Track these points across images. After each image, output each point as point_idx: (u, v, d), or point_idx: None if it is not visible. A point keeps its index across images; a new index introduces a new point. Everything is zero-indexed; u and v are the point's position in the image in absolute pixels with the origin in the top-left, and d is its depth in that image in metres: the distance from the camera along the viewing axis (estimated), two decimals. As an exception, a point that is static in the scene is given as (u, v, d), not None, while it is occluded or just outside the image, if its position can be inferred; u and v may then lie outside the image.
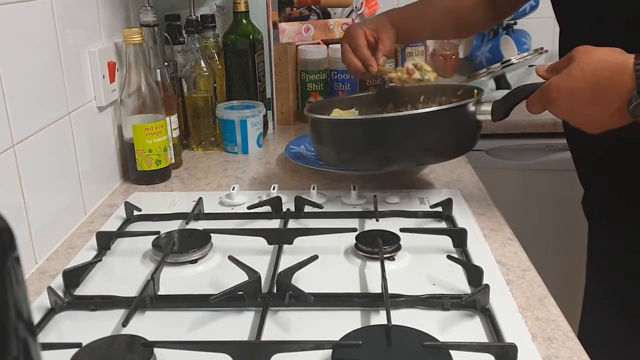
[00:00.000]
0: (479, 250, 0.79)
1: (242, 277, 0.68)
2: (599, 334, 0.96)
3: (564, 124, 1.00)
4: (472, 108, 0.87)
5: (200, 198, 0.93)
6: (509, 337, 0.59)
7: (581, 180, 1.01)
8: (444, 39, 1.85)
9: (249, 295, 0.67)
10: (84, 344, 0.57)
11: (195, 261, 0.77)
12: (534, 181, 1.59)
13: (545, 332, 0.63)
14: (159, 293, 0.69)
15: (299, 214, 0.90)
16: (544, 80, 0.76)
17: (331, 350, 0.56)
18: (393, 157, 0.89)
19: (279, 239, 0.81)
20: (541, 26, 1.94)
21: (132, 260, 0.79)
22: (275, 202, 0.90)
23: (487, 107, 0.86)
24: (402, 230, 0.80)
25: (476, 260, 0.75)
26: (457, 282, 0.71)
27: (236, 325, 0.64)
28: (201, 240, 0.79)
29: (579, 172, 1.00)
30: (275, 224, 0.88)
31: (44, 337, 0.63)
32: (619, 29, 0.75)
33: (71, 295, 0.69)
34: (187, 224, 0.87)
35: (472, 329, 0.63)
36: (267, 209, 0.90)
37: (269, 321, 0.64)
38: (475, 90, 0.95)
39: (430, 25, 1.11)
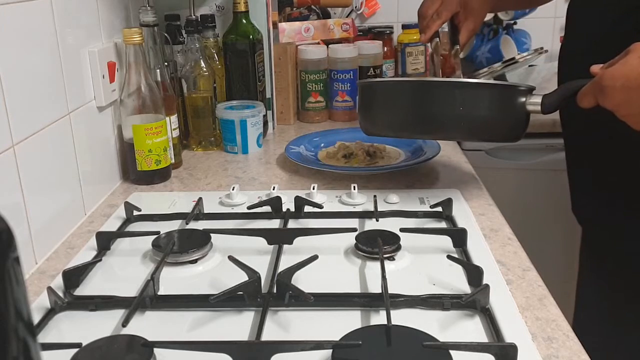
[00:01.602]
0: (479, 250, 0.79)
1: (242, 277, 0.68)
2: (593, 328, 0.96)
3: (562, 122, 1.00)
4: (522, 98, 0.86)
5: (200, 198, 0.93)
6: (509, 337, 0.59)
7: (574, 182, 1.01)
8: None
9: (249, 295, 0.67)
10: (84, 344, 0.57)
11: (195, 261, 0.77)
12: (534, 181, 1.59)
13: (545, 332, 0.63)
14: (158, 293, 0.69)
15: (299, 214, 0.90)
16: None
17: (331, 350, 0.56)
18: (441, 123, 0.89)
19: (279, 239, 0.81)
20: (541, 26, 1.94)
21: (132, 260, 0.79)
22: (275, 202, 0.90)
23: (537, 99, 0.85)
24: (402, 230, 0.80)
25: (476, 260, 0.75)
26: (457, 282, 0.71)
27: (236, 325, 0.64)
28: (201, 240, 0.79)
29: (573, 174, 1.01)
30: (275, 224, 0.88)
31: (44, 337, 0.63)
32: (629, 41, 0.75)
33: (71, 296, 0.69)
34: (187, 224, 0.86)
35: (472, 329, 0.63)
36: (267, 209, 0.90)
37: (269, 321, 0.64)
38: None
39: None
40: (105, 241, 0.82)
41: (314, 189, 0.95)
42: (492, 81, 0.91)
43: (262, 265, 0.75)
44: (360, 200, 0.94)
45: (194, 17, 1.21)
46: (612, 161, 0.90)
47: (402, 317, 0.63)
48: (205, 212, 0.91)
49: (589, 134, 0.93)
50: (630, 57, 0.70)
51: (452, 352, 0.55)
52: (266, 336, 0.61)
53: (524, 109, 0.86)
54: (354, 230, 0.80)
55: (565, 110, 0.96)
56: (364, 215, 0.90)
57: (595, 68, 0.75)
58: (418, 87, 0.92)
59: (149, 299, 0.67)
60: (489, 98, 0.87)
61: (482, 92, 0.87)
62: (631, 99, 0.70)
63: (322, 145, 1.22)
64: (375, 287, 0.70)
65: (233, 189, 0.96)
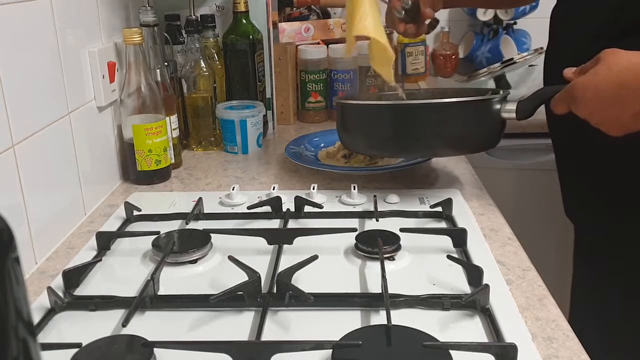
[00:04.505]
0: (479, 250, 0.79)
1: (242, 277, 0.68)
2: (589, 328, 0.96)
3: (548, 123, 1.00)
4: (497, 106, 0.88)
5: (200, 198, 0.93)
6: (509, 337, 0.59)
7: (563, 185, 1.01)
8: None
9: (249, 295, 0.67)
10: (84, 344, 0.57)
11: (195, 261, 0.77)
12: (534, 181, 1.59)
13: (545, 332, 0.63)
14: (158, 293, 0.69)
15: (298, 214, 0.90)
16: (569, 83, 0.76)
17: (331, 350, 0.56)
18: (418, 144, 0.91)
19: (279, 239, 0.81)
20: (541, 26, 1.93)
21: (132, 260, 0.79)
22: (275, 202, 0.90)
23: (512, 106, 0.87)
24: (402, 230, 0.80)
25: (476, 260, 0.75)
26: (457, 282, 0.71)
27: (236, 325, 0.64)
28: (201, 240, 0.79)
29: (561, 177, 1.01)
30: (275, 224, 0.88)
31: (44, 337, 0.63)
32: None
33: (71, 296, 0.69)
34: (187, 224, 0.86)
35: (472, 329, 0.63)
36: (267, 209, 0.90)
37: (269, 321, 0.64)
38: (501, 91, 0.96)
39: None
40: (105, 241, 0.82)
41: (313, 189, 0.95)
42: (465, 98, 0.92)
43: (262, 265, 0.75)
44: (360, 200, 0.94)
45: (194, 17, 1.21)
46: (596, 164, 0.90)
47: (402, 317, 0.63)
48: (205, 212, 0.91)
49: (572, 138, 0.93)
50: (599, 68, 0.71)
51: (452, 352, 0.55)
52: (266, 336, 0.61)
53: (499, 117, 0.88)
54: (354, 230, 0.80)
55: (550, 114, 0.97)
56: (364, 215, 0.90)
57: (569, 72, 0.76)
58: (393, 110, 0.93)
59: (149, 299, 0.67)
60: (464, 115, 0.89)
61: (457, 111, 0.89)
62: (602, 108, 0.71)
63: (322, 145, 1.22)
64: (375, 287, 0.70)
65: (233, 189, 0.96)
